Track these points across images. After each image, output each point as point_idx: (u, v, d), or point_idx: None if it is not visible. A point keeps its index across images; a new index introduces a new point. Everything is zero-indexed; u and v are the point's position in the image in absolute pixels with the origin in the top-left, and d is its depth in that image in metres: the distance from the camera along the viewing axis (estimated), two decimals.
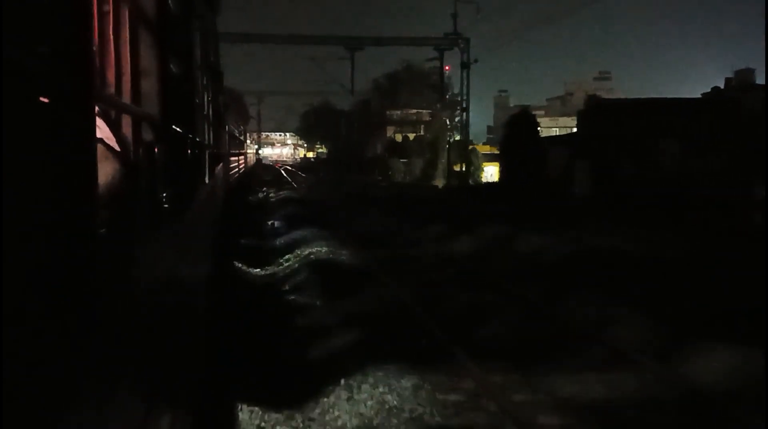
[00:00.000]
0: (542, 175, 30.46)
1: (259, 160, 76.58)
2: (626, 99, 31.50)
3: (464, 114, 48.79)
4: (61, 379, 1.22)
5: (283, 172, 66.36)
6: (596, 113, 30.10)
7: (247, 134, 59.84)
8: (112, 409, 1.64)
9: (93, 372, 1.43)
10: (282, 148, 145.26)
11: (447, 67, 63.84)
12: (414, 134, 65.29)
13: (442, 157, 53.30)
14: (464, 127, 49.12)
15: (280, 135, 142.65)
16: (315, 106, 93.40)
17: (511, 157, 33.86)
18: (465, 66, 45.81)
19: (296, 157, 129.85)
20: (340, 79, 55.94)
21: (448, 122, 55.40)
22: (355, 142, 76.58)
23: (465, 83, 47.31)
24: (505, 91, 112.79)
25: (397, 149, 60.42)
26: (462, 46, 45.55)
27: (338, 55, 48.92)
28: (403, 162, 56.98)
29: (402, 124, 71.30)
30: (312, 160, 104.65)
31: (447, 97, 71.77)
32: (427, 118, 67.35)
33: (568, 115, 70.57)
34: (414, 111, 70.99)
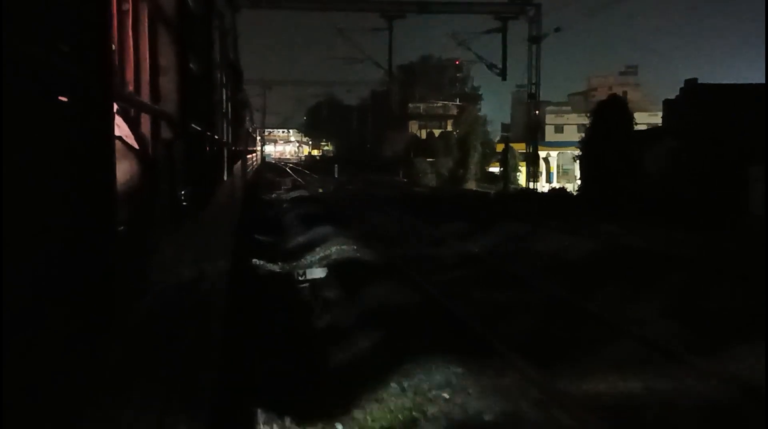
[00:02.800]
0: (640, 178, 23.62)
1: (263, 158, 68.58)
2: (730, 84, 24.72)
3: (533, 104, 40.09)
4: (78, 378, 1.22)
5: (291, 172, 57.44)
6: (698, 100, 23.53)
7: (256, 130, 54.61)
8: (130, 409, 1.64)
9: (111, 371, 1.44)
10: (285, 146, 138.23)
11: (456, 61, 60.37)
12: (440, 130, 59.37)
13: (474, 157, 48.39)
14: (539, 114, 39.93)
15: (283, 132, 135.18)
16: (322, 101, 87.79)
17: (597, 155, 26.46)
18: (535, 40, 36.98)
19: (300, 155, 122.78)
20: (357, 65, 47.03)
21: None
22: (370, 138, 71.10)
23: (534, 63, 37.69)
24: (524, 86, 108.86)
25: (422, 147, 54.21)
26: (531, 14, 36.51)
27: (369, 26, 40.67)
28: (429, 162, 50.99)
29: (426, 119, 65.23)
30: (318, 158, 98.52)
31: (466, 90, 68.61)
32: (455, 112, 61.70)
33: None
34: (440, 104, 65.10)
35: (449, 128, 59.29)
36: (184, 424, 2.56)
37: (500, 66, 38.39)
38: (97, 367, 1.32)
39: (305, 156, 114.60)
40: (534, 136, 39.39)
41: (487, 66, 38.56)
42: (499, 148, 55.02)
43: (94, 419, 1.25)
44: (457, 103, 62.20)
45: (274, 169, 62.32)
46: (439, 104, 65.19)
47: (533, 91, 39.26)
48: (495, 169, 52.07)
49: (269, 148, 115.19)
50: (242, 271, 10.32)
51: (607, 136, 25.96)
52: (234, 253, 8.78)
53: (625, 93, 75.53)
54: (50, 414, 1.08)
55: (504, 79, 38.73)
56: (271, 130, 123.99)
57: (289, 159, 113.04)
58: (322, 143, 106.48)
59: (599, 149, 26.21)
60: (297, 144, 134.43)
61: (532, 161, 38.60)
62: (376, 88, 70.94)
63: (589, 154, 27.65)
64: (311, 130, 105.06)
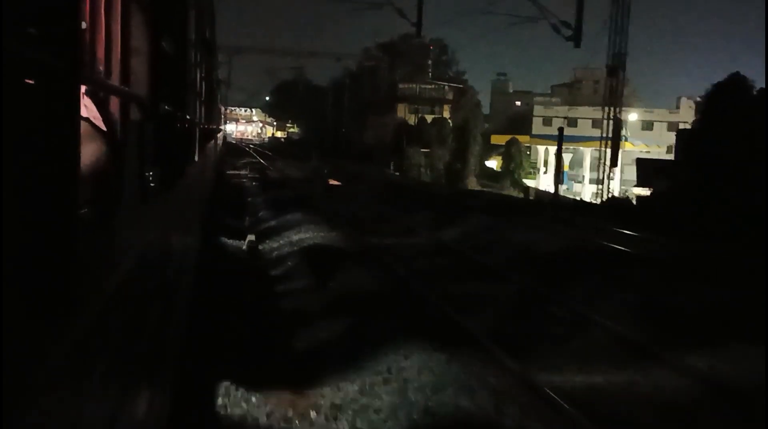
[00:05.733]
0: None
1: (224, 138, 56.38)
2: None
3: (614, 82, 27.93)
4: (37, 364, 1.23)
5: (257, 155, 48.72)
6: None
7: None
8: (90, 391, 1.65)
9: (72, 356, 1.45)
10: (247, 126, 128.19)
11: (431, 46, 56.11)
12: (433, 116, 52.18)
13: (474, 149, 42.92)
14: (617, 98, 28.00)
15: (246, 111, 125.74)
16: (290, 79, 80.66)
17: (713, 153, 19.35)
18: None
19: (264, 136, 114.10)
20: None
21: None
22: (346, 122, 63.46)
23: (619, 26, 27.29)
24: (504, 74, 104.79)
25: (413, 135, 46.61)
26: None
27: None
28: (424, 153, 44.10)
29: (418, 102, 56.13)
30: (282, 140, 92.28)
31: (450, 73, 63.56)
32: (450, 96, 55.07)
33: (578, 103, 62.12)
34: (433, 86, 56.97)
35: (444, 114, 52.57)
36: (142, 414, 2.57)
37: (573, 26, 27.49)
38: (51, 353, 1.33)
39: (269, 137, 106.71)
40: (618, 133, 28.36)
41: (553, 27, 28.49)
42: (496, 139, 49.47)
43: (42, 411, 1.25)
44: (456, 85, 55.25)
45: (237, 152, 53.06)
46: (432, 86, 57.42)
47: (614, 62, 26.58)
48: (492, 163, 46.57)
49: (230, 127, 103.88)
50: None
51: (727, 129, 19.24)
52: (204, 232, 8.71)
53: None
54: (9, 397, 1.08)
55: (577, 45, 27.87)
56: (233, 109, 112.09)
57: (251, 140, 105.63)
58: (288, 125, 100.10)
59: (715, 147, 19.26)
60: (260, 124, 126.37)
61: (613, 162, 29.11)
62: (357, 64, 64.68)
63: (699, 151, 20.38)
64: (276, 110, 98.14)
